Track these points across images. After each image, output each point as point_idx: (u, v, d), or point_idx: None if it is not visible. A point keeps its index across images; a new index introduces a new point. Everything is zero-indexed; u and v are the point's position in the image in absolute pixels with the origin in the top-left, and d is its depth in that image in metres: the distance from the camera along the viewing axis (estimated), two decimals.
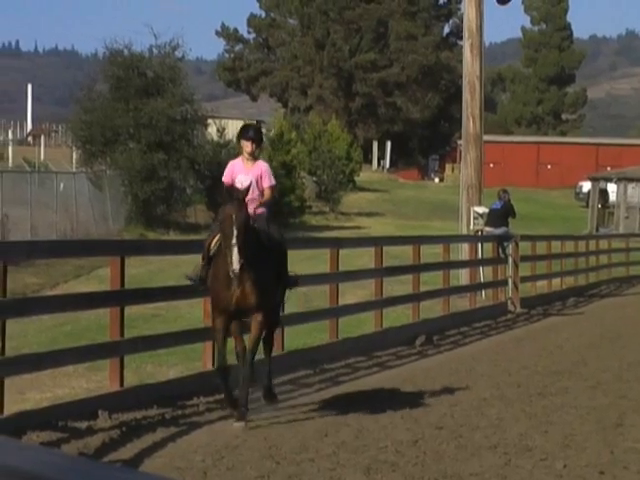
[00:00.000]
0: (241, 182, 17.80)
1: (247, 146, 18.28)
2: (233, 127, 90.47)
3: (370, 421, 18.94)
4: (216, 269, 17.27)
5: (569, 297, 45.81)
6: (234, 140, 76.99)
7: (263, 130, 17.71)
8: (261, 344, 19.04)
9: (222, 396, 21.13)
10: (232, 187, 17.45)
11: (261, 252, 16.73)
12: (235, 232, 16.15)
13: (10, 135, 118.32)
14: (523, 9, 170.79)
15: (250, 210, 17.92)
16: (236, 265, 15.99)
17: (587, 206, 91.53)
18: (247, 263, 16.42)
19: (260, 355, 19.33)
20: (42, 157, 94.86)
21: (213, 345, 19.27)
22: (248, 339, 17.67)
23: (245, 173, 18.03)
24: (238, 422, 17.63)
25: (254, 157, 18.56)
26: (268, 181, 18.32)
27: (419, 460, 16.08)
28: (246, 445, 17.08)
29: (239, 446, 16.97)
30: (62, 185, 55.59)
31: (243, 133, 18.87)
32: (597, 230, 74.41)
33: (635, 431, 18.71)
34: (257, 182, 17.99)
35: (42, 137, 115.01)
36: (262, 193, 18.50)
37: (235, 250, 16.12)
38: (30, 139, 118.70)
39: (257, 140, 18.57)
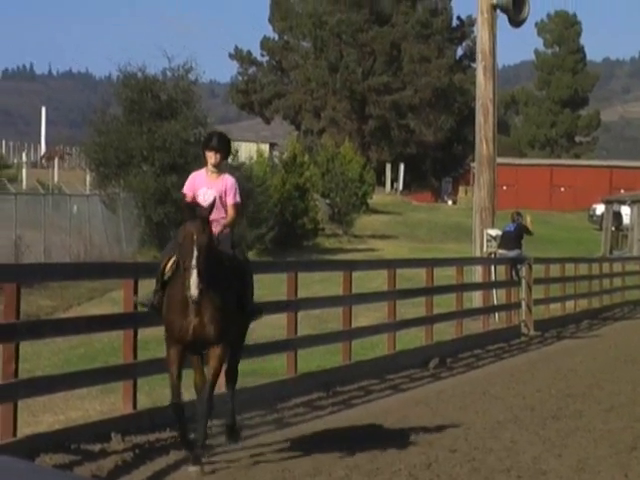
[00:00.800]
0: (203, 196, 16.32)
1: (211, 157, 16.58)
2: (246, 150, 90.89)
3: (384, 444, 18.89)
4: (171, 294, 15.72)
5: (583, 320, 45.76)
6: (247, 162, 77.38)
7: (241, 145, 16.08)
8: (223, 378, 17.85)
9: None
10: (194, 203, 15.92)
11: (224, 277, 15.28)
12: (195, 253, 14.67)
13: (24, 157, 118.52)
14: (536, 32, 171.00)
15: (214, 230, 16.40)
16: (194, 290, 14.52)
17: (601, 229, 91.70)
18: (207, 289, 14.92)
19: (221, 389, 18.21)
20: (56, 179, 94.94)
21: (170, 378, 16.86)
22: (207, 373, 16.20)
23: (208, 187, 16.46)
24: (194, 466, 16.08)
25: (219, 170, 16.83)
26: (233, 198, 16.56)
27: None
28: (258, 466, 17.06)
29: (252, 467, 16.94)
30: (76, 208, 55.66)
31: (206, 142, 17.20)
32: (611, 253, 74.44)
33: None
34: (221, 198, 16.35)
35: (56, 159, 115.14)
36: (225, 211, 16.80)
37: (194, 273, 14.62)
38: (44, 161, 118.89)
39: (223, 150, 16.78)
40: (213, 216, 16.04)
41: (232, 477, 16.34)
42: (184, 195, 16.74)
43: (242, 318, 16.43)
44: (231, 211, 16.26)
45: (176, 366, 15.66)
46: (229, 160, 76.15)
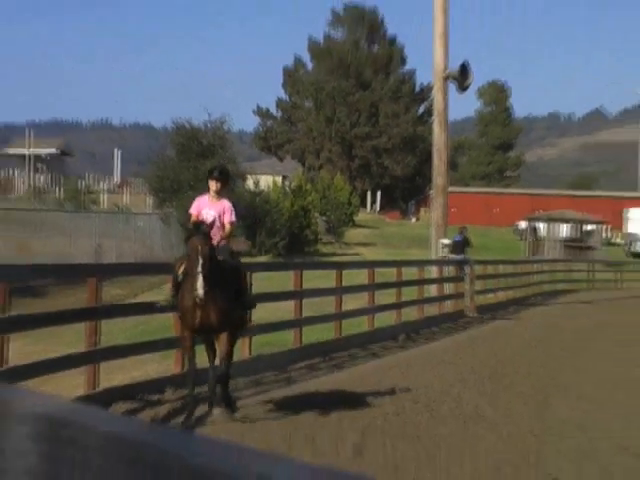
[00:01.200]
0: (206, 215, 16.27)
1: (213, 185, 16.55)
2: (265, 181, 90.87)
3: (365, 397, 18.90)
4: (183, 292, 15.63)
5: (510, 306, 45.81)
6: (265, 190, 77.36)
7: (245, 178, 16.07)
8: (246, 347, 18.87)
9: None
10: (199, 222, 15.93)
11: (223, 279, 15.23)
12: (201, 261, 14.82)
13: (103, 186, 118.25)
14: (477, 95, 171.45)
15: (214, 242, 16.30)
16: (201, 291, 14.68)
17: (522, 239, 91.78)
18: (210, 289, 14.95)
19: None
20: (126, 202, 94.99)
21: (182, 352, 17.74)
22: (220, 355, 16.23)
23: (209, 208, 16.35)
24: (217, 408, 16.33)
25: (219, 195, 16.69)
26: (229, 217, 16.53)
27: (400, 427, 16.07)
28: (269, 416, 17.04)
29: (268, 419, 16.93)
30: (140, 223, 55.72)
31: (210, 173, 17.08)
32: (530, 256, 74.43)
33: (559, 407, 18.70)
34: (220, 217, 16.33)
35: (126, 187, 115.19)
36: (224, 227, 16.70)
37: (200, 278, 14.78)
38: (117, 189, 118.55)
39: (222, 180, 16.74)
40: (213, 231, 16.12)
41: (250, 420, 16.38)
42: (190, 215, 16.84)
43: (240, 309, 16.50)
44: (228, 227, 16.42)
45: (189, 344, 15.94)
46: (252, 188, 76.39)
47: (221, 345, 15.92)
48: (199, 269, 14.78)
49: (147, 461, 1.70)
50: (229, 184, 17.86)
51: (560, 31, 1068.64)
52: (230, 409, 16.27)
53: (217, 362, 16.37)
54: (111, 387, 17.64)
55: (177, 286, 16.04)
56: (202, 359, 17.04)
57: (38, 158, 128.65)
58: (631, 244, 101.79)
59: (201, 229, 15.34)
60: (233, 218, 16.69)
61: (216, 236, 16.15)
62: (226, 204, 16.63)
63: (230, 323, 15.88)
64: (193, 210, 16.77)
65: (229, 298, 15.57)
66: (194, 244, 15.01)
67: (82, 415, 2.14)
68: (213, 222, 15.90)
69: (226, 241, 16.57)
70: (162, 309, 17.40)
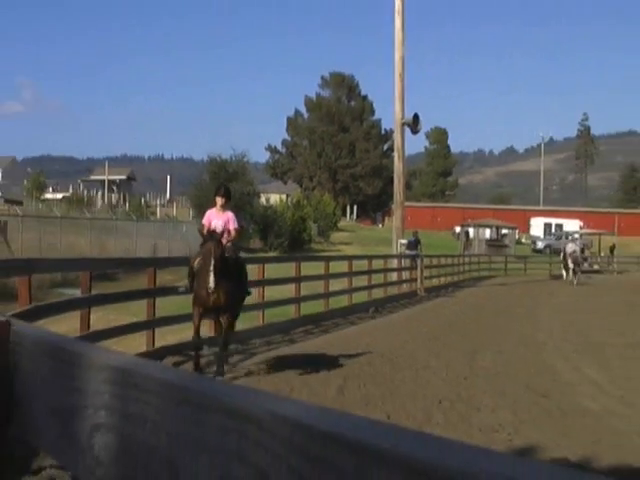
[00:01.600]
0: (215, 224, 16.09)
1: (219, 200, 16.30)
2: (273, 198, 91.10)
3: (346, 354, 18.86)
4: (199, 281, 15.31)
5: (449, 287, 45.81)
6: (274, 205, 77.37)
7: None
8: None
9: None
10: (212, 230, 15.69)
11: (229, 272, 15.04)
12: (213, 262, 14.74)
13: (158, 202, 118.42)
14: (425, 136, 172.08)
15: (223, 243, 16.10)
16: (212, 284, 14.61)
17: (458, 240, 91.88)
18: (219, 280, 14.82)
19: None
20: (174, 214, 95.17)
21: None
22: (224, 330, 15.98)
23: (217, 219, 16.15)
24: (218, 377, 15.13)
25: (224, 208, 16.40)
26: (233, 224, 16.28)
27: (371, 374, 16.04)
28: (277, 367, 17.02)
29: (276, 369, 16.92)
30: (185, 228, 55.61)
31: (217, 191, 16.85)
32: (463, 252, 74.37)
33: (483, 358, 18.69)
34: (225, 225, 16.08)
35: (174, 203, 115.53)
36: (229, 232, 16.26)
37: (212, 274, 14.68)
38: (168, 204, 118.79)
39: (226, 196, 16.51)
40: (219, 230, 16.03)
41: (268, 364, 16.41)
42: (203, 225, 16.56)
43: (240, 294, 16.18)
44: (233, 233, 16.19)
45: (198, 319, 15.65)
46: (264, 202, 76.37)
47: (225, 320, 15.78)
48: (211, 268, 14.76)
49: (191, 401, 1.72)
50: (231, 200, 17.30)
51: (484, 85, 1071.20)
52: (220, 370, 15.83)
53: (222, 343, 16.02)
54: (164, 346, 17.61)
55: (192, 275, 15.85)
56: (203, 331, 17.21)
57: (112, 182, 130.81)
58: (534, 243, 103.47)
59: (214, 236, 15.30)
60: (236, 225, 16.57)
61: (224, 239, 15.86)
62: (230, 215, 16.51)
63: (232, 304, 15.74)
64: (205, 221, 16.61)
65: (233, 286, 15.36)
66: (208, 247, 15.02)
67: (143, 366, 2.15)
68: (223, 231, 15.82)
69: (231, 243, 16.24)
70: (183, 292, 17.06)
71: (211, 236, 15.37)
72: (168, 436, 1.82)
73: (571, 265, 52.43)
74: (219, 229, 16.04)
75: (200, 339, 16.18)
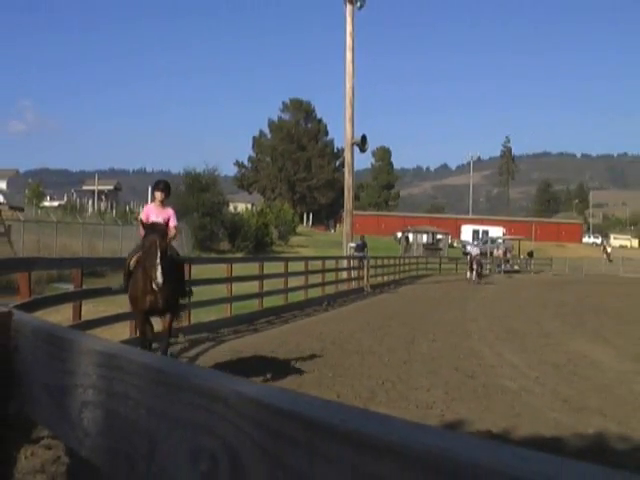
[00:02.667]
0: (153, 221, 13.47)
1: (158, 195, 13.88)
2: (241, 207, 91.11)
3: (302, 341, 18.85)
4: (135, 280, 12.99)
5: (392, 284, 45.86)
6: (241, 213, 77.30)
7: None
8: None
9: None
10: (156, 223, 13.11)
11: (170, 271, 12.60)
12: (159, 254, 12.31)
13: (141, 209, 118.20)
14: (372, 154, 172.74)
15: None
16: (160, 279, 12.19)
17: (399, 244, 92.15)
18: (164, 278, 12.46)
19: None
20: None
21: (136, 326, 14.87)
22: (164, 330, 13.35)
23: (157, 215, 13.62)
24: None
25: (163, 204, 13.97)
26: (173, 221, 13.72)
27: (323, 358, 16.03)
28: (243, 353, 16.97)
29: (244, 351, 16.86)
30: None
31: (156, 186, 14.28)
32: (404, 254, 74.61)
33: (420, 344, 18.73)
34: (165, 221, 13.43)
35: None
36: (169, 229, 13.62)
37: (159, 268, 12.26)
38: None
39: (166, 191, 14.02)
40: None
41: (236, 351, 16.37)
42: (141, 220, 13.94)
43: (180, 296, 13.76)
44: (173, 230, 13.48)
45: (141, 323, 13.28)
46: (232, 210, 76.16)
47: (165, 323, 13.38)
48: (158, 261, 12.38)
49: (165, 382, 1.73)
50: (170, 195, 14.56)
51: (423, 110, 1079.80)
52: None
53: (161, 343, 13.78)
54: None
55: (129, 274, 13.39)
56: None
57: (101, 192, 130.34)
58: (464, 247, 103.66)
59: (158, 229, 12.85)
60: (176, 222, 14.04)
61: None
62: (170, 211, 14.03)
63: (172, 306, 13.42)
64: (143, 216, 14.11)
65: (174, 287, 13.04)
66: (152, 240, 12.48)
67: (126, 351, 2.16)
68: (167, 223, 13.43)
69: (171, 240, 13.64)
70: (117, 290, 14.49)
71: (154, 228, 12.94)
72: (147, 412, 1.85)
73: (475, 266, 52.24)
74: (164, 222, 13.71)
75: (146, 339, 13.68)
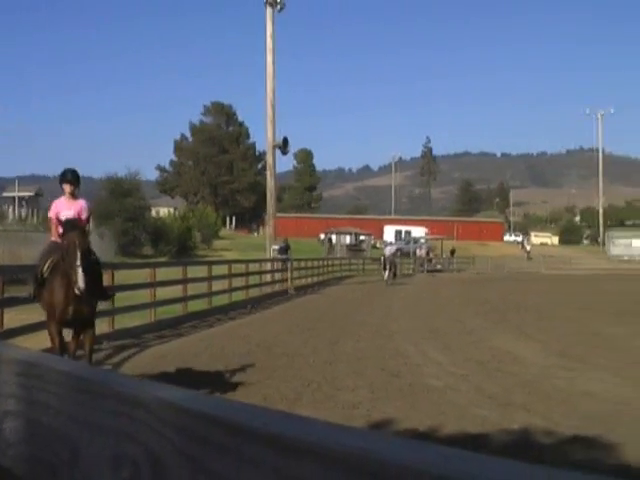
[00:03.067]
0: (65, 216, 11.81)
1: (67, 187, 12.21)
2: (163, 211, 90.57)
3: (227, 344, 18.78)
4: (53, 286, 11.35)
5: (316, 286, 45.90)
6: (163, 217, 76.85)
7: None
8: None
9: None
10: (71, 219, 11.57)
11: (93, 271, 11.26)
12: (79, 255, 10.86)
13: None
14: (294, 157, 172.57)
15: None
16: (82, 284, 10.74)
17: (322, 245, 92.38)
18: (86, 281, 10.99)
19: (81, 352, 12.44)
20: None
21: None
22: (88, 346, 11.76)
23: (68, 208, 12.01)
24: None
25: (74, 196, 12.33)
26: (86, 213, 12.23)
27: (249, 361, 15.99)
28: (166, 359, 16.85)
29: (168, 356, 16.74)
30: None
31: (63, 177, 12.45)
32: (327, 255, 74.90)
33: (344, 345, 18.78)
34: (78, 215, 11.94)
35: None
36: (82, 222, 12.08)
37: (80, 270, 10.80)
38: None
39: (75, 182, 12.30)
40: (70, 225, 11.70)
41: (162, 355, 16.24)
42: (51, 218, 12.45)
43: (98, 301, 12.18)
44: (87, 223, 12.12)
45: (58, 335, 11.45)
46: (154, 214, 75.58)
47: (88, 337, 11.86)
48: (78, 262, 10.91)
49: (87, 389, 1.72)
50: (80, 184, 12.66)
51: (344, 112, 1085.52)
52: None
53: (86, 353, 12.05)
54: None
55: (40, 280, 11.73)
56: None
57: (22, 198, 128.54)
58: (385, 247, 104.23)
59: (76, 225, 11.39)
60: (88, 214, 12.41)
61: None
62: (83, 203, 12.46)
63: (94, 313, 12.00)
64: (52, 213, 12.45)
65: (94, 291, 11.47)
66: (71, 239, 11.00)
67: (46, 360, 2.14)
68: (88, 218, 12.34)
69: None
70: (26, 298, 12.92)
71: (72, 225, 11.38)
72: (69, 419, 1.84)
73: (389, 266, 52.03)
74: (84, 217, 12.27)
75: (69, 354, 12.12)
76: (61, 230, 11.56)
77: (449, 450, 1.09)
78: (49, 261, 11.63)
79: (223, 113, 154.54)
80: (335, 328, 22.76)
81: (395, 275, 52.75)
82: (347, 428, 1.19)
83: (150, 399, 1.47)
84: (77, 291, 10.82)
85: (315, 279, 49.30)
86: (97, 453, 1.67)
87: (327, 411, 10.95)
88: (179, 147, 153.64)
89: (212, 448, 1.28)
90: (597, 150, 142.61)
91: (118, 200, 68.30)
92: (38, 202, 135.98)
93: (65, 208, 12.16)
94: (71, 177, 12.38)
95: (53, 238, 12.24)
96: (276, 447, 1.17)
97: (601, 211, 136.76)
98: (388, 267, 51.87)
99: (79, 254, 10.91)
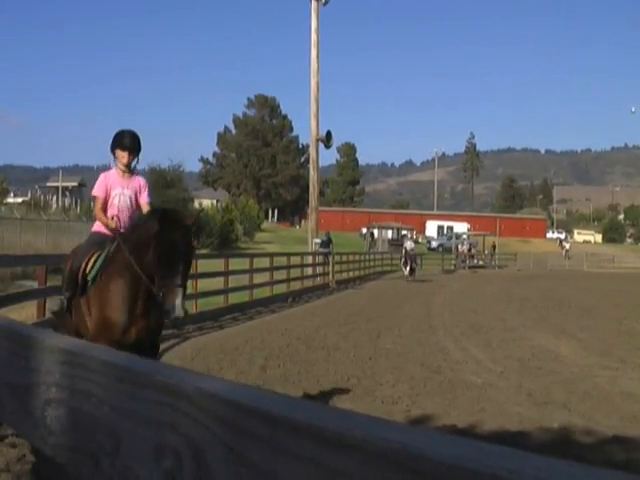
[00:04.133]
0: (119, 197, 8.76)
1: (123, 157, 8.79)
2: (205, 203, 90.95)
3: (266, 337, 18.84)
4: (108, 297, 7.73)
5: (357, 281, 45.88)
6: (206, 209, 77.56)
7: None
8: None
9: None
10: (174, 210, 8.32)
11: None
12: (182, 269, 7.37)
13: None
14: (337, 150, 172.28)
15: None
16: (180, 311, 7.27)
17: (364, 240, 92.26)
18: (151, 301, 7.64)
19: None
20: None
21: None
22: None
23: (122, 187, 8.81)
24: None
25: (130, 170, 8.97)
26: (146, 197, 8.98)
27: (289, 354, 16.03)
28: (208, 348, 16.91)
29: (209, 348, 16.81)
30: None
31: (119, 141, 8.88)
32: (369, 250, 74.80)
33: (385, 340, 18.77)
34: (135, 196, 8.93)
35: None
36: (139, 208, 8.98)
37: (180, 292, 7.27)
38: None
39: (134, 150, 8.86)
40: (124, 213, 8.80)
41: (199, 350, 16.31)
42: (96, 198, 8.86)
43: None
44: (148, 208, 8.75)
45: None
46: (197, 206, 76.25)
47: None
48: (179, 280, 7.34)
49: (129, 379, 1.74)
50: (140, 154, 9.06)
51: (387, 106, 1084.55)
52: None
53: None
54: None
55: (82, 289, 8.09)
56: None
57: (65, 188, 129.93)
58: (429, 243, 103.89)
59: (179, 220, 7.63)
60: (150, 198, 9.07)
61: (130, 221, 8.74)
62: (141, 181, 9.10)
63: (160, 335, 8.64)
64: (99, 192, 8.85)
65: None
66: (173, 241, 7.38)
67: (89, 349, 2.16)
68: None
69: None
70: (55, 312, 8.93)
71: (171, 218, 7.62)
72: (111, 409, 1.85)
73: (409, 261, 49.87)
74: (126, 206, 8.87)
75: None
76: (113, 218, 8.67)
77: (487, 446, 1.09)
78: (94, 258, 8.16)
79: (267, 106, 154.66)
80: (376, 322, 22.75)
81: (413, 271, 50.06)
82: (387, 422, 1.19)
83: (192, 390, 1.48)
84: (168, 318, 7.48)
85: (356, 273, 49.19)
86: (139, 443, 1.69)
87: (367, 406, 10.97)
88: (222, 139, 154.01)
89: (252, 439, 1.29)
90: None
91: (161, 191, 68.69)
92: (81, 192, 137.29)
93: (118, 185, 8.84)
94: (130, 142, 8.83)
95: (96, 227, 8.97)
96: (316, 440, 1.18)
97: None
98: (409, 263, 49.81)
99: (182, 268, 7.40)
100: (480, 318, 25.19)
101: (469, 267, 73.45)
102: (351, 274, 47.34)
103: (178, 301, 7.25)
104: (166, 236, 7.42)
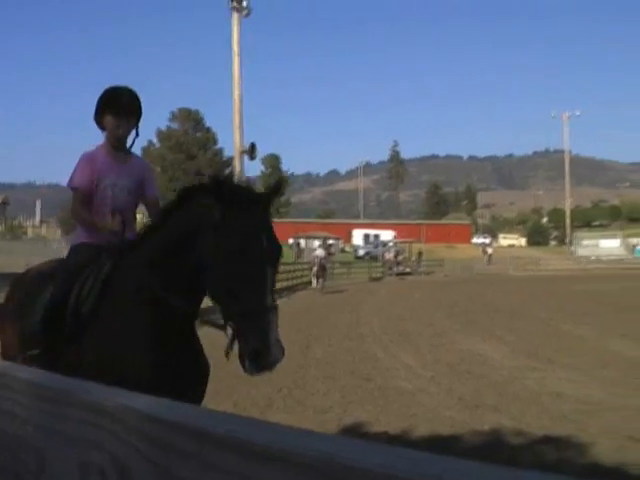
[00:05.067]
0: (112, 189, 5.38)
1: (117, 127, 5.39)
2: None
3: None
4: (118, 344, 4.92)
5: (284, 291, 45.54)
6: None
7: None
8: None
9: None
10: (249, 186, 4.76)
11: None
12: (269, 278, 4.68)
13: (29, 223, 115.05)
14: (262, 162, 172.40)
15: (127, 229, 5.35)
16: (278, 352, 4.64)
17: (291, 250, 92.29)
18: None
19: None
20: (45, 233, 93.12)
21: None
22: None
23: (116, 173, 5.37)
24: None
25: (125, 147, 5.48)
26: (154, 189, 5.78)
27: (219, 367, 15.92)
28: None
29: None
30: (55, 246, 54.25)
31: (109, 101, 5.38)
32: (295, 260, 74.81)
33: (316, 350, 18.75)
34: (139, 185, 5.58)
35: (45, 224, 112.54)
36: (147, 206, 5.65)
37: (274, 319, 4.66)
38: (39, 225, 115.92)
39: (134, 116, 5.46)
40: (123, 206, 5.55)
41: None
42: (74, 190, 5.36)
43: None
44: (156, 208, 5.55)
45: None
46: None
47: None
48: (269, 302, 4.70)
49: (53, 398, 1.72)
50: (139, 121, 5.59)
51: (311, 117, 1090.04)
52: None
53: None
54: None
55: (66, 321, 4.95)
56: None
57: None
58: (355, 251, 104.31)
59: (257, 198, 4.92)
60: (156, 190, 5.99)
61: (131, 223, 5.66)
62: (145, 165, 6.16)
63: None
64: (81, 181, 5.41)
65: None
66: (255, 237, 4.77)
67: (12, 369, 2.11)
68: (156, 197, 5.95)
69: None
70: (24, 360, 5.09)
71: (249, 194, 4.82)
72: (34, 428, 1.83)
73: (319, 272, 48.01)
74: (124, 202, 5.62)
75: None
76: (114, 215, 5.51)
77: (415, 453, 1.09)
78: (89, 282, 5.05)
79: (190, 119, 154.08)
80: (306, 332, 22.63)
81: (324, 280, 48.01)
82: (313, 433, 1.18)
83: (114, 407, 1.46)
84: (255, 369, 4.73)
85: (284, 284, 48.92)
86: (64, 461, 1.66)
87: (298, 416, 10.94)
88: (147, 153, 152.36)
89: (177, 455, 1.27)
90: (563, 152, 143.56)
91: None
92: (5, 210, 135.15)
93: (110, 171, 5.58)
94: (128, 103, 5.58)
95: (81, 237, 5.68)
96: (244, 454, 1.16)
97: (568, 212, 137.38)
98: (319, 273, 47.91)
99: (269, 277, 4.83)
100: (409, 324, 25.31)
101: (396, 274, 73.84)
102: (278, 285, 46.64)
103: (272, 336, 4.61)
104: (236, 225, 4.60)
